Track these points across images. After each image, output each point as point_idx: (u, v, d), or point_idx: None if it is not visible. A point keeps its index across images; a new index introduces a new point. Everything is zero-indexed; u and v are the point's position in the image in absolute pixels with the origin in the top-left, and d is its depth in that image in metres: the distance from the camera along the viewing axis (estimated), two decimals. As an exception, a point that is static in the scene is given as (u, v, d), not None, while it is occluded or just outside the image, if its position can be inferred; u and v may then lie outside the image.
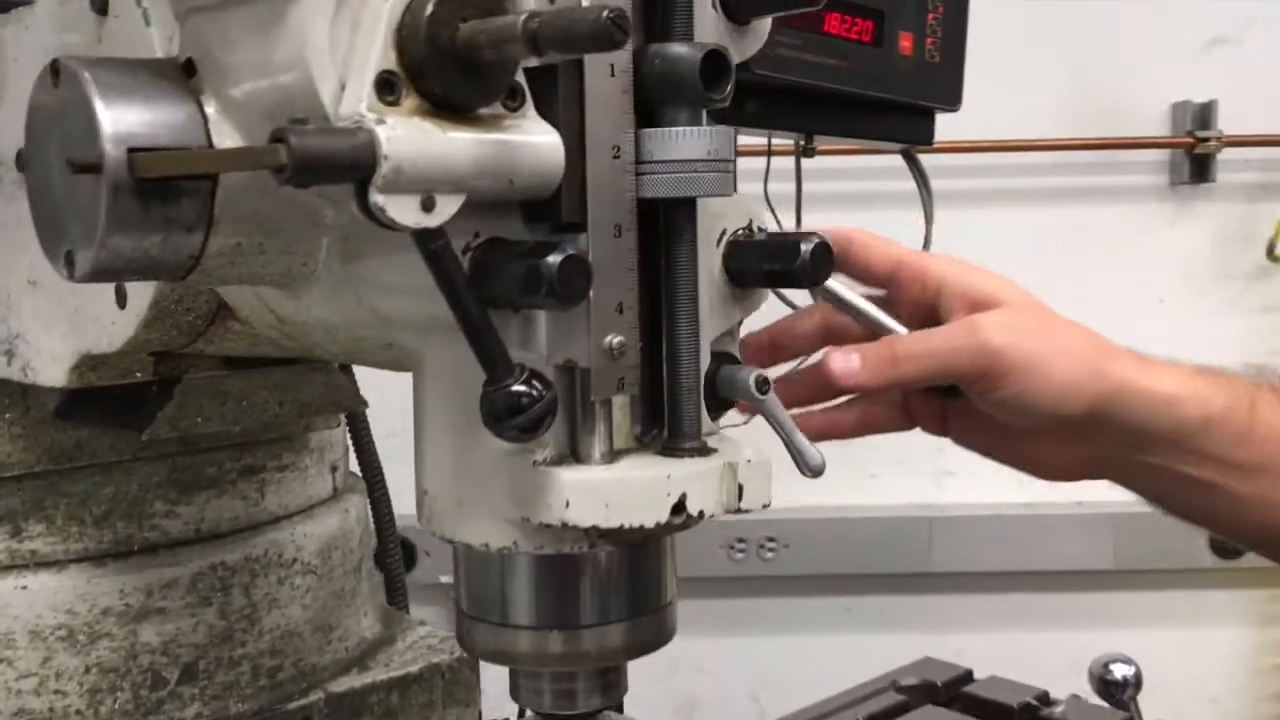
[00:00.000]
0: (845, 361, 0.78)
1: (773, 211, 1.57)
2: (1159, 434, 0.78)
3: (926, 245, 1.61)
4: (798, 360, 0.94)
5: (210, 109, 0.55)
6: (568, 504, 0.57)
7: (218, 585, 1.03)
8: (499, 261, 0.55)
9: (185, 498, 1.03)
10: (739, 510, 0.60)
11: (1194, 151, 2.16)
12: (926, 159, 1.61)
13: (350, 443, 1.30)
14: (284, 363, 0.95)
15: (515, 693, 0.66)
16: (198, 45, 0.56)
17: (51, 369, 0.82)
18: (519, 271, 0.54)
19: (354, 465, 1.34)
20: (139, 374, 0.83)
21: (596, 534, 0.59)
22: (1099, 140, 2.17)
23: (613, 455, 0.59)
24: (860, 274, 0.89)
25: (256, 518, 1.08)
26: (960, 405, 0.86)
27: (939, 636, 2.22)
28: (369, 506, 1.29)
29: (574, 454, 0.59)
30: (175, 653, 1.00)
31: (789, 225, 1.58)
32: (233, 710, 1.03)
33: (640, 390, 0.61)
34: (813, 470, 0.66)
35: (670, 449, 0.60)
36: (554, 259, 0.52)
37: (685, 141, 0.57)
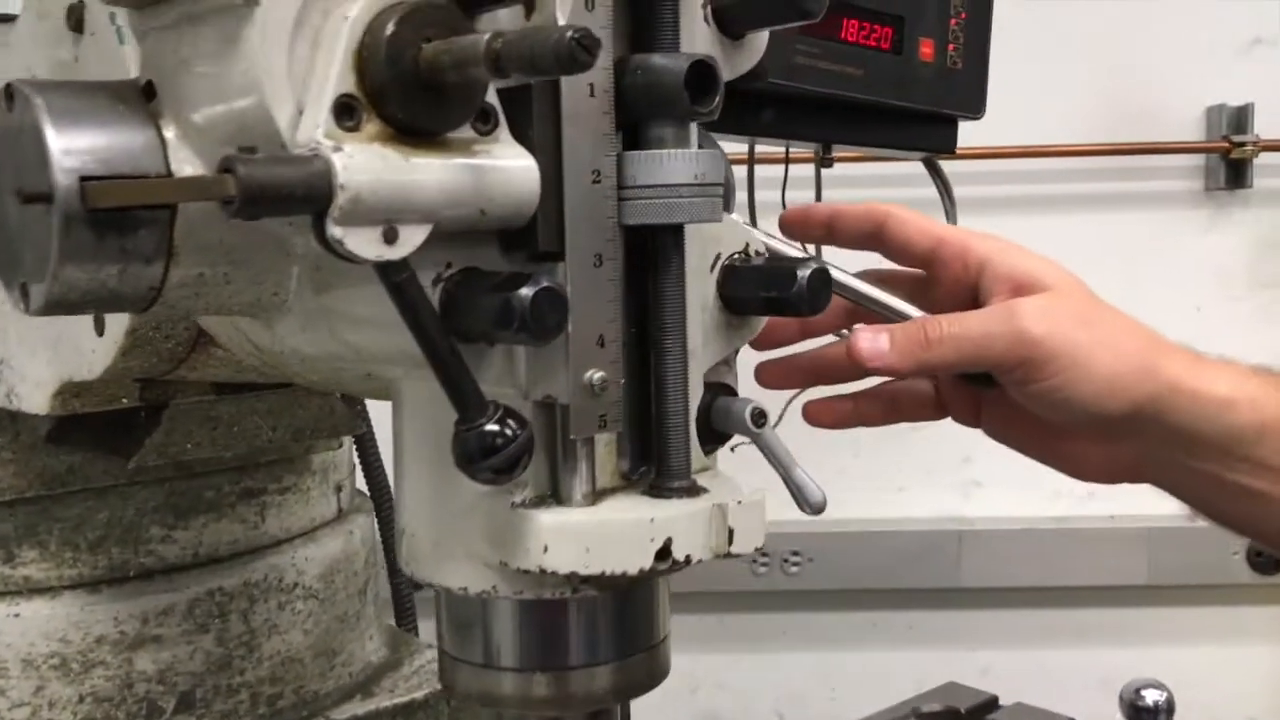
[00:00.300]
0: (873, 342, 0.73)
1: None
2: (1209, 440, 0.73)
3: (950, 256, 1.57)
4: (825, 339, 0.89)
5: (170, 134, 0.53)
6: (546, 549, 0.54)
7: (215, 611, 1.00)
8: (471, 294, 0.52)
9: (182, 522, 1.01)
10: (729, 555, 0.56)
11: (1229, 156, 2.10)
12: (950, 165, 1.56)
13: (357, 461, 1.28)
14: (276, 386, 0.92)
15: None
16: (157, 66, 0.53)
17: (35, 395, 0.80)
18: (492, 305, 0.51)
19: (361, 483, 1.31)
20: (125, 400, 0.81)
21: (578, 579, 0.56)
22: (1131, 145, 2.12)
23: (595, 496, 0.56)
24: (898, 253, 0.84)
25: (256, 541, 1.06)
26: (995, 395, 0.80)
27: (967, 653, 2.17)
28: (376, 527, 1.27)
29: (554, 494, 0.56)
30: (172, 681, 0.98)
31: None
32: (231, 740, 1.01)
33: (629, 425, 0.58)
34: (813, 508, 0.63)
35: (657, 489, 0.57)
36: (526, 292, 0.49)
37: (670, 165, 0.54)
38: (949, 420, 2.31)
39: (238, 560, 1.04)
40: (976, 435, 2.42)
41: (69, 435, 0.92)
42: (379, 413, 1.13)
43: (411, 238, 0.48)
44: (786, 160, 1.53)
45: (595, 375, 0.54)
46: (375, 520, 1.27)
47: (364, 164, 0.46)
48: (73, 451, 0.93)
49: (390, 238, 0.47)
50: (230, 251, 0.55)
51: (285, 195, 0.44)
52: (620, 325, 0.55)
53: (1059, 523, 2.21)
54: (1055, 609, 2.22)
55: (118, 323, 0.70)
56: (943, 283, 0.82)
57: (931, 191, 1.62)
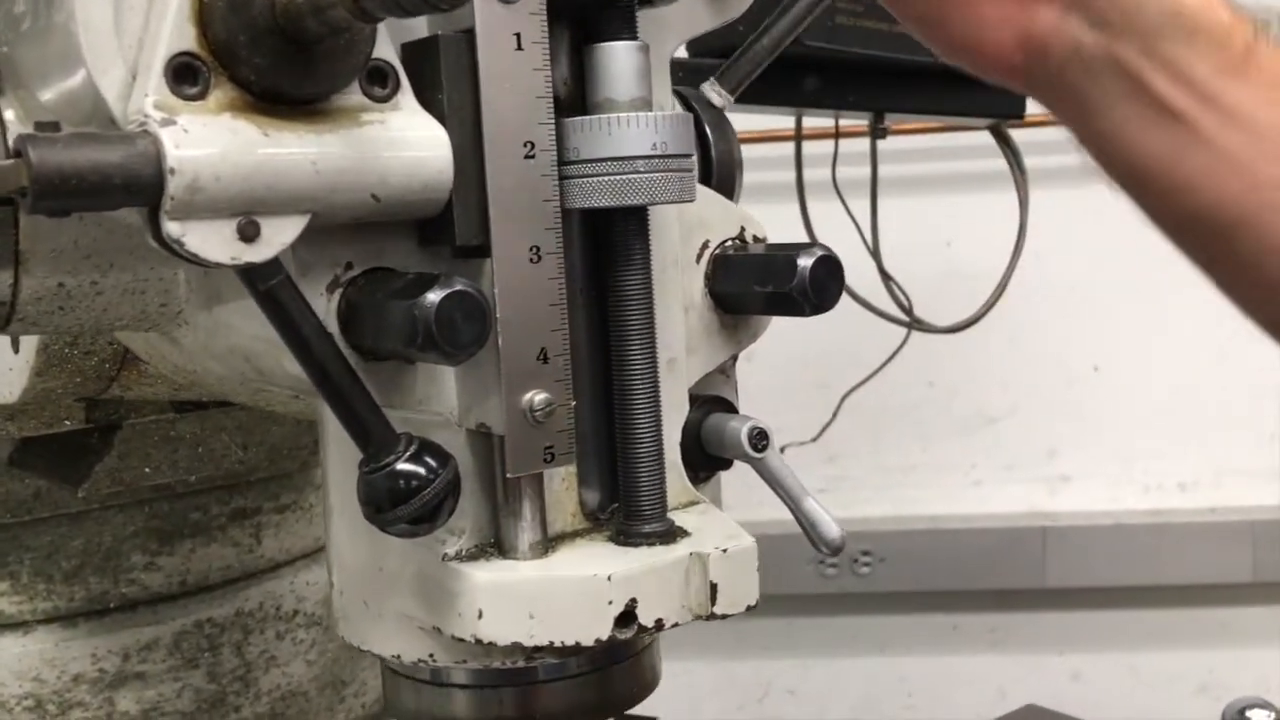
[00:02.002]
0: None
1: (843, 202, 1.42)
2: (1130, 9, 0.59)
3: (1022, 230, 1.43)
4: None
5: (9, 114, 0.43)
6: (481, 614, 0.43)
7: (205, 644, 0.92)
8: (376, 301, 0.41)
9: (166, 548, 0.92)
10: (712, 616, 0.45)
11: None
12: (1019, 134, 1.43)
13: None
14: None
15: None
16: (-4, 35, 0.44)
17: (-34, 420, 0.72)
18: (394, 315, 0.40)
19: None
20: (69, 422, 0.73)
21: (527, 650, 0.45)
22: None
23: (547, 544, 0.45)
24: None
25: (251, 566, 0.97)
26: None
27: (1055, 658, 2.04)
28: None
29: (496, 543, 0.45)
30: (157, 722, 0.90)
31: (863, 214, 1.43)
32: (224, 785, 0.93)
33: (596, 454, 0.48)
34: (830, 547, 0.52)
35: (624, 534, 0.46)
36: (433, 297, 0.39)
37: (623, 133, 0.43)
38: (1030, 411, 2.13)
39: (230, 588, 0.95)
40: (1061, 427, 2.25)
41: (30, 460, 0.84)
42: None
43: (278, 234, 0.38)
44: (836, 134, 1.41)
45: (536, 398, 0.43)
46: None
47: (205, 139, 0.36)
48: (37, 476, 0.85)
49: (248, 234, 0.37)
50: (92, 255, 0.45)
51: (97, 183, 0.34)
52: (573, 334, 0.44)
53: (1154, 517, 2.06)
54: (1150, 609, 2.07)
55: (30, 340, 0.61)
56: None
57: (1001, 163, 1.49)
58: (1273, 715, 1.24)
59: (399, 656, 0.48)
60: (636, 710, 0.54)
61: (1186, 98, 0.59)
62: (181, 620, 0.92)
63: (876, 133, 1.29)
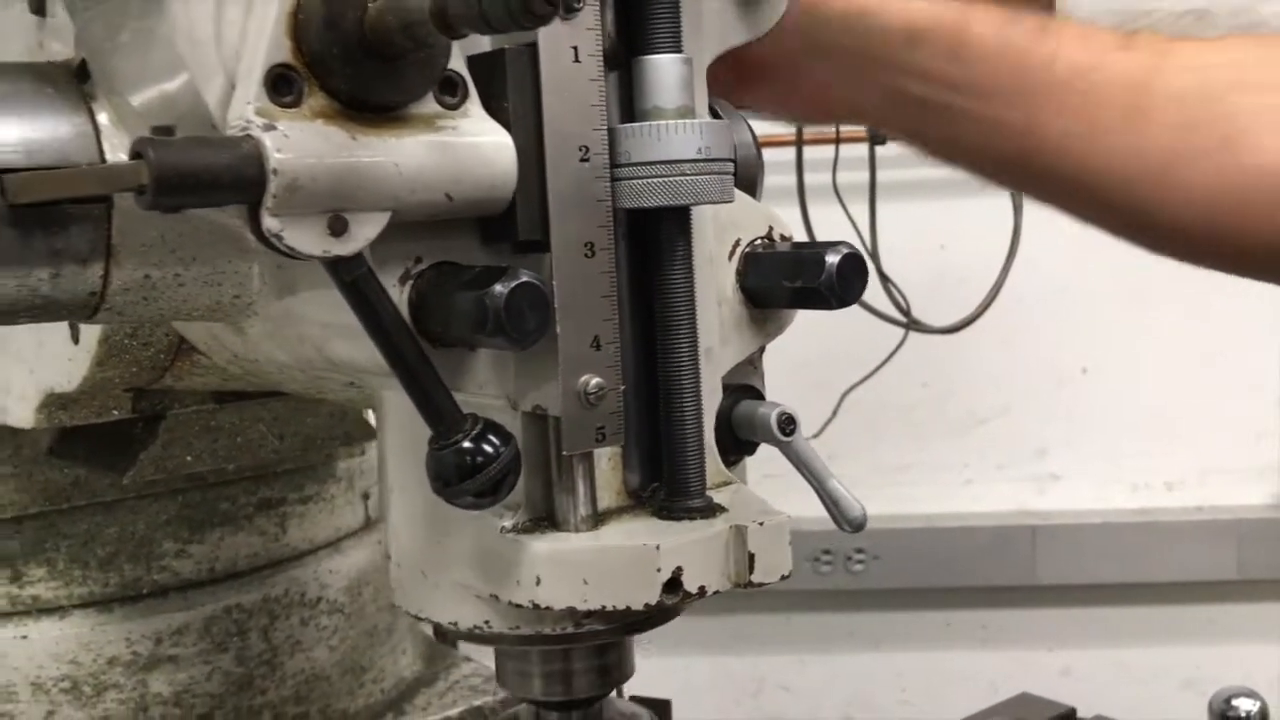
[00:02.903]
0: None
1: (843, 206, 1.46)
2: (866, 51, 0.70)
3: (1016, 234, 1.48)
4: None
5: (103, 118, 0.47)
6: (539, 581, 0.47)
7: (234, 629, 0.96)
8: (444, 292, 0.45)
9: (197, 536, 0.96)
10: (749, 585, 0.49)
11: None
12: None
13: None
14: (280, 394, 0.87)
15: (500, 677, 0.57)
16: (90, 43, 0.47)
17: (19, 409, 0.75)
18: (464, 305, 0.44)
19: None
20: (116, 412, 0.76)
21: (579, 614, 0.49)
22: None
23: (596, 519, 0.49)
24: None
25: (276, 554, 1.01)
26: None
27: (1045, 654, 2.08)
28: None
29: (550, 518, 0.49)
30: (189, 704, 0.93)
31: (862, 218, 1.47)
32: (252, 765, 0.96)
33: (637, 437, 0.51)
34: (852, 525, 0.55)
35: (667, 510, 0.50)
36: (501, 289, 0.42)
37: (671, 138, 0.47)
38: (1021, 412, 2.19)
39: (257, 575, 0.99)
40: (1051, 427, 2.30)
41: (69, 449, 0.87)
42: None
43: (363, 229, 0.41)
44: (837, 140, 1.45)
45: (590, 382, 0.47)
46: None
47: (302, 144, 0.40)
48: (76, 465, 0.89)
49: (338, 229, 0.41)
50: (177, 249, 0.49)
51: (208, 182, 0.38)
52: (619, 324, 0.48)
53: (1141, 515, 2.11)
54: (1138, 606, 2.12)
55: (91, 331, 0.64)
56: None
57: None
58: (1258, 704, 1.28)
59: (456, 623, 0.51)
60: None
61: (936, 89, 0.71)
62: (211, 606, 0.95)
63: (876, 139, 1.33)
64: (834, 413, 1.64)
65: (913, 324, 1.43)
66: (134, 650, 0.91)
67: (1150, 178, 0.72)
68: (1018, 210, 1.40)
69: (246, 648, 0.96)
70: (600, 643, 0.53)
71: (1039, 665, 2.10)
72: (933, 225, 1.90)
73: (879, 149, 1.38)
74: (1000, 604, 2.14)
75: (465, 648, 1.28)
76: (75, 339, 0.66)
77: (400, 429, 0.53)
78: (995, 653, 2.10)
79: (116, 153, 0.47)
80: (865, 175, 1.44)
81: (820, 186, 1.42)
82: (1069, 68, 0.71)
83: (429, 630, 1.31)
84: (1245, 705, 1.26)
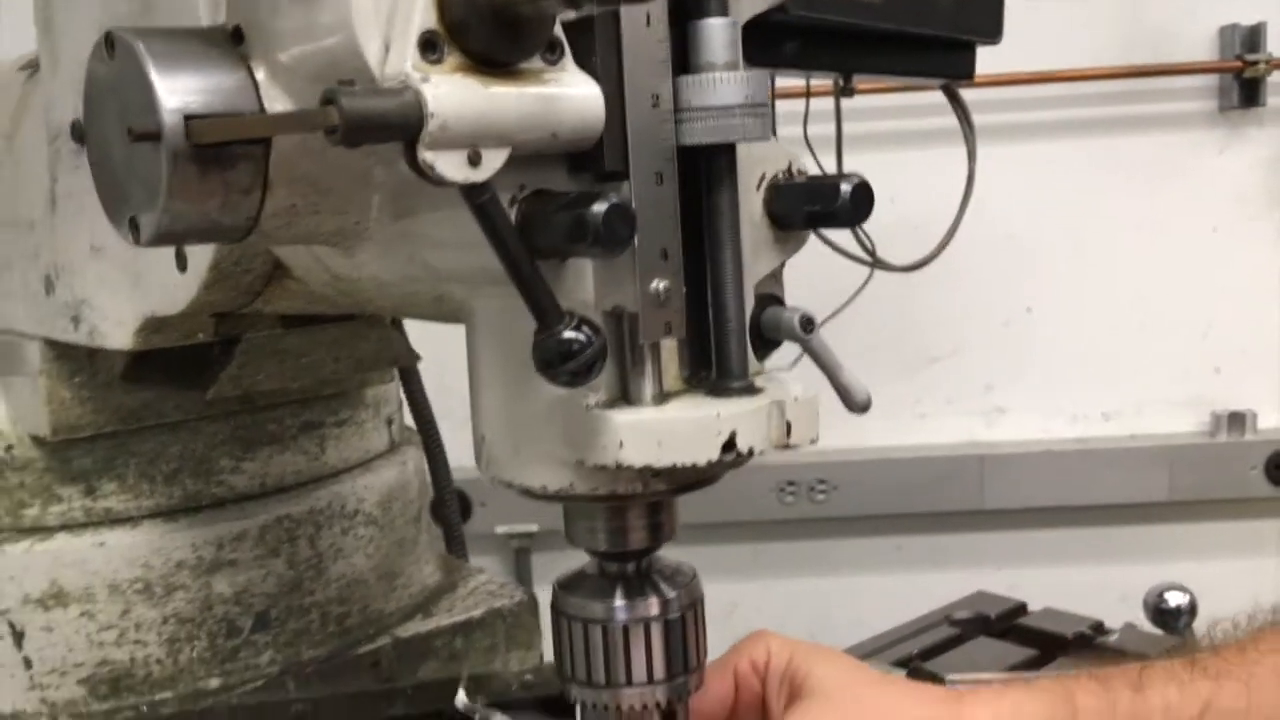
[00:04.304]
0: None
1: (813, 155, 1.57)
2: None
3: (970, 182, 1.60)
4: None
5: (260, 74, 0.57)
6: (621, 445, 0.59)
7: (284, 537, 1.06)
8: (545, 212, 0.56)
9: (249, 454, 1.06)
10: (787, 446, 0.61)
11: (1243, 75, 2.11)
12: (969, 94, 1.59)
13: (404, 397, 1.33)
14: (339, 320, 0.97)
15: (570, 535, 0.69)
16: (244, 12, 0.58)
17: (117, 333, 0.85)
18: (565, 222, 0.55)
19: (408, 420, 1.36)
20: (201, 335, 0.86)
21: (650, 474, 0.61)
22: (1144, 67, 2.13)
23: (663, 397, 0.61)
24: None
25: (318, 472, 1.11)
26: None
27: (993, 573, 2.23)
28: (425, 459, 1.32)
29: (625, 397, 0.61)
30: (248, 602, 1.04)
31: (830, 168, 1.58)
32: (305, 656, 1.07)
33: (686, 334, 0.63)
34: (860, 405, 0.68)
35: (718, 389, 0.62)
36: (598, 208, 0.54)
37: (723, 87, 0.58)
38: (970, 350, 2.34)
39: (302, 489, 1.09)
40: (998, 364, 2.46)
41: (144, 372, 0.97)
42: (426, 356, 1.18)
43: (493, 161, 0.52)
44: (808, 94, 1.56)
45: (661, 284, 0.58)
46: (424, 454, 1.32)
47: (450, 93, 0.51)
48: (146, 388, 0.98)
49: (474, 161, 0.52)
50: (317, 182, 0.59)
51: (382, 124, 0.49)
52: (680, 239, 0.59)
53: (1080, 444, 2.26)
54: (1078, 527, 2.27)
55: (201, 259, 0.74)
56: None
57: (952, 120, 1.65)
58: (1188, 597, 1.43)
59: (545, 486, 0.63)
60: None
61: None
62: (264, 516, 1.05)
63: (844, 91, 1.44)
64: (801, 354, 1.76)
65: (877, 263, 1.56)
66: (199, 555, 1.02)
67: None
68: (971, 157, 1.52)
69: (296, 553, 1.07)
70: (658, 500, 0.65)
71: (986, 584, 2.25)
72: (892, 174, 2.01)
73: (845, 101, 1.50)
74: (950, 528, 2.29)
75: (475, 563, 1.39)
76: (182, 268, 0.76)
77: (490, 332, 0.64)
78: (946, 573, 2.24)
79: (273, 102, 0.57)
80: (832, 127, 1.55)
81: (792, 138, 1.53)
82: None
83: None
84: (1175, 598, 1.42)
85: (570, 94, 0.55)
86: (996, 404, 2.29)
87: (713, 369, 0.63)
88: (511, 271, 0.55)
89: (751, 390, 0.62)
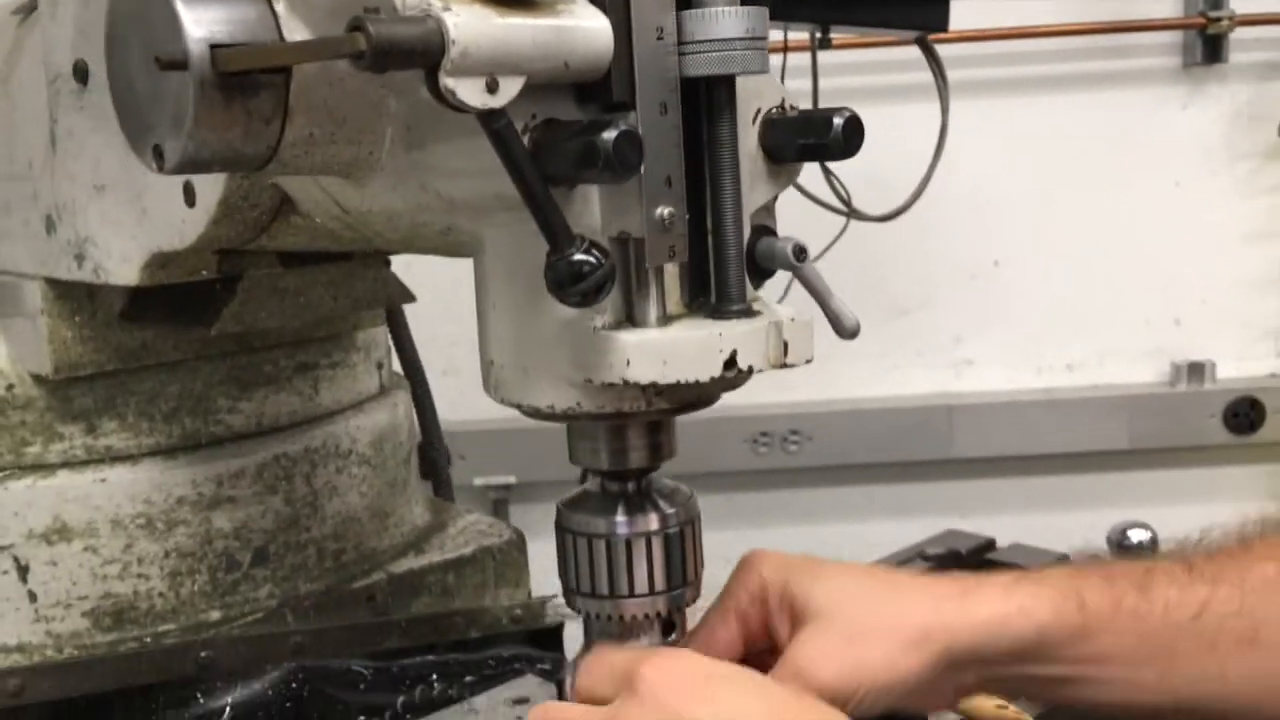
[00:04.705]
0: None
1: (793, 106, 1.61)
2: (1000, 655, 0.79)
3: (943, 133, 1.63)
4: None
5: (279, 6, 0.59)
6: (628, 363, 0.62)
7: (281, 475, 1.09)
8: (557, 140, 0.59)
9: (246, 394, 1.08)
10: (784, 365, 0.65)
11: (1206, 32, 2.16)
12: (942, 50, 1.63)
13: (391, 343, 1.35)
14: (336, 260, 0.99)
15: (573, 455, 0.72)
16: (265, -54, 0.60)
17: (123, 269, 0.87)
18: (576, 148, 0.58)
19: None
20: (205, 271, 0.88)
21: (654, 391, 0.64)
22: (1109, 24, 2.17)
23: (666, 319, 0.64)
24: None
25: (312, 412, 1.14)
26: None
27: (961, 519, 2.28)
28: (412, 405, 1.34)
29: (630, 319, 0.64)
30: (247, 537, 1.06)
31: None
32: (302, 590, 1.10)
33: (690, 260, 0.66)
34: (849, 331, 0.71)
35: (718, 312, 0.65)
36: (609, 135, 0.56)
37: (724, 21, 0.61)
38: (939, 303, 2.39)
39: (297, 429, 1.12)
40: (966, 318, 2.50)
41: (143, 311, 0.99)
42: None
43: (509, 88, 0.55)
44: (785, 47, 1.59)
45: (665, 211, 0.61)
46: (411, 396, 1.35)
47: (469, 22, 0.53)
48: (145, 327, 1.00)
49: (492, 88, 0.54)
50: (334, 112, 0.62)
51: (407, 50, 0.51)
52: (684, 167, 0.62)
53: (1045, 395, 2.32)
54: (1044, 475, 2.33)
55: (210, 194, 0.77)
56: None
57: (922, 77, 1.68)
58: (1150, 534, 1.49)
59: (552, 406, 0.66)
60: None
61: (1069, 668, 0.80)
62: (262, 454, 1.08)
63: (821, 44, 1.47)
64: (782, 297, 1.80)
65: (853, 213, 1.59)
66: (199, 491, 1.04)
67: (1276, 696, 0.79)
68: (944, 110, 1.56)
69: (293, 491, 1.10)
70: (658, 420, 0.69)
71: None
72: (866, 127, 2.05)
73: (821, 55, 1.53)
74: (919, 477, 2.34)
75: (462, 502, 1.43)
76: (190, 203, 0.78)
77: (500, 261, 0.67)
78: (916, 520, 2.29)
79: (293, 32, 0.59)
80: (808, 84, 1.58)
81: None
82: (1179, 619, 0.79)
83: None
84: (1137, 535, 1.47)
85: (581, 25, 0.57)
86: (965, 356, 2.34)
87: (711, 294, 0.66)
88: (526, 196, 0.57)
89: (750, 313, 0.65)
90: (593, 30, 0.58)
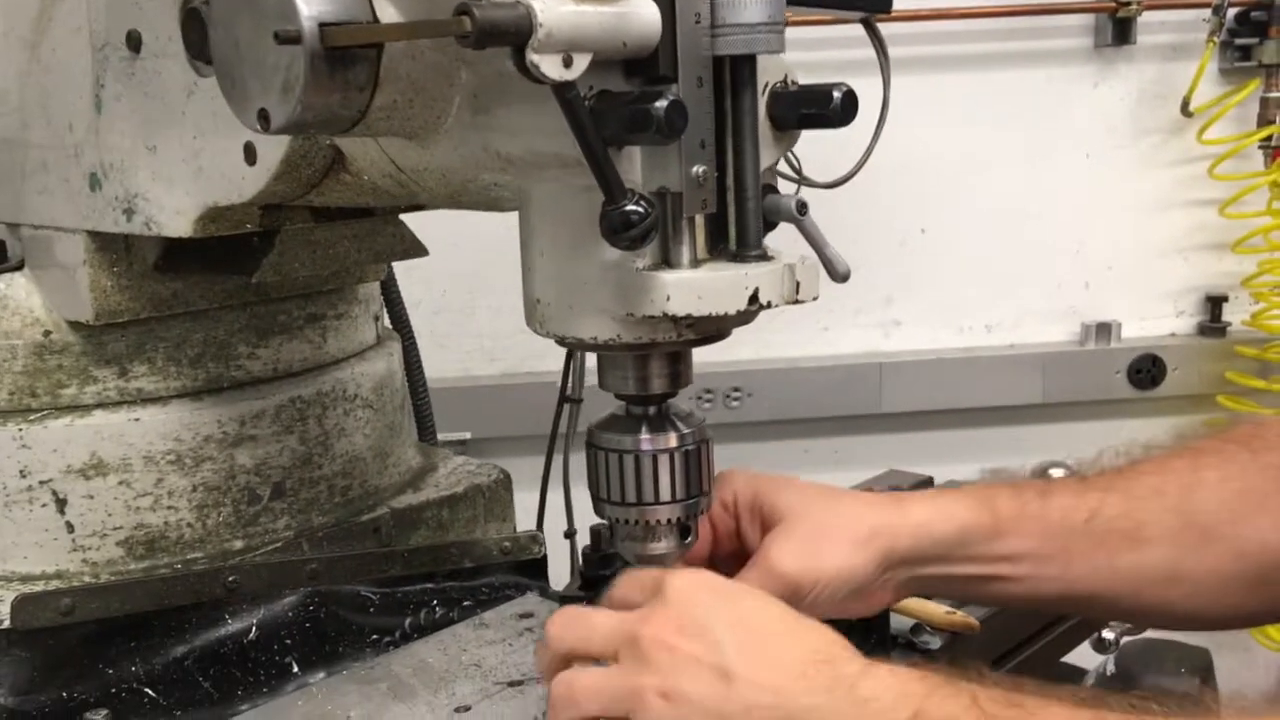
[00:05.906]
0: None
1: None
2: (927, 555, 0.93)
3: (885, 107, 1.76)
4: None
5: (373, -9, 0.69)
6: (668, 298, 0.73)
7: (296, 416, 1.18)
8: (614, 107, 0.70)
9: (263, 342, 1.17)
10: (797, 300, 0.77)
11: (1116, 15, 2.33)
12: (884, 28, 1.76)
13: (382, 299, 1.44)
14: (359, 216, 1.08)
15: (603, 381, 0.83)
16: (360, -64, 0.69)
17: (176, 221, 0.95)
18: (630, 114, 0.68)
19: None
20: (248, 225, 0.97)
21: (685, 324, 0.75)
22: (1028, 6, 2.33)
23: (696, 262, 0.75)
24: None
25: (321, 359, 1.23)
26: None
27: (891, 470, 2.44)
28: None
29: (666, 261, 0.75)
30: (266, 473, 1.15)
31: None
32: (315, 523, 1.19)
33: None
34: (841, 275, 0.83)
35: (739, 256, 0.77)
36: (660, 104, 0.67)
37: (751, 7, 0.72)
38: (872, 267, 2.55)
39: (309, 374, 1.21)
40: (895, 281, 2.65)
41: (176, 262, 1.07)
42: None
43: (581, 63, 0.65)
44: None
45: (699, 169, 0.72)
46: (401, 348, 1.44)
47: (552, 7, 0.63)
48: (178, 278, 1.08)
49: (568, 64, 0.65)
50: (414, 83, 0.72)
51: (503, 31, 0.62)
52: (714, 132, 0.73)
53: (966, 353, 2.48)
54: (964, 429, 2.50)
55: (273, 153, 0.85)
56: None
57: (861, 53, 1.81)
58: (1068, 471, 1.64)
59: (595, 337, 0.77)
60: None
61: (979, 568, 0.95)
62: (279, 397, 1.17)
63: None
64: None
65: (804, 180, 1.72)
66: (224, 430, 1.13)
67: (1155, 585, 0.93)
68: (886, 84, 1.69)
69: (306, 431, 1.19)
70: (677, 352, 0.80)
71: (885, 479, 2.47)
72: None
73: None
74: (852, 431, 2.49)
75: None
76: (251, 161, 0.87)
77: (547, 211, 0.78)
78: (850, 472, 2.44)
79: (382, 12, 0.69)
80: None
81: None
82: (1075, 521, 0.93)
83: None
84: (1057, 473, 1.62)
85: (637, 11, 0.68)
86: (894, 317, 2.49)
87: (730, 241, 0.78)
88: (588, 154, 0.68)
89: (767, 257, 0.77)
90: (646, 15, 0.69)
